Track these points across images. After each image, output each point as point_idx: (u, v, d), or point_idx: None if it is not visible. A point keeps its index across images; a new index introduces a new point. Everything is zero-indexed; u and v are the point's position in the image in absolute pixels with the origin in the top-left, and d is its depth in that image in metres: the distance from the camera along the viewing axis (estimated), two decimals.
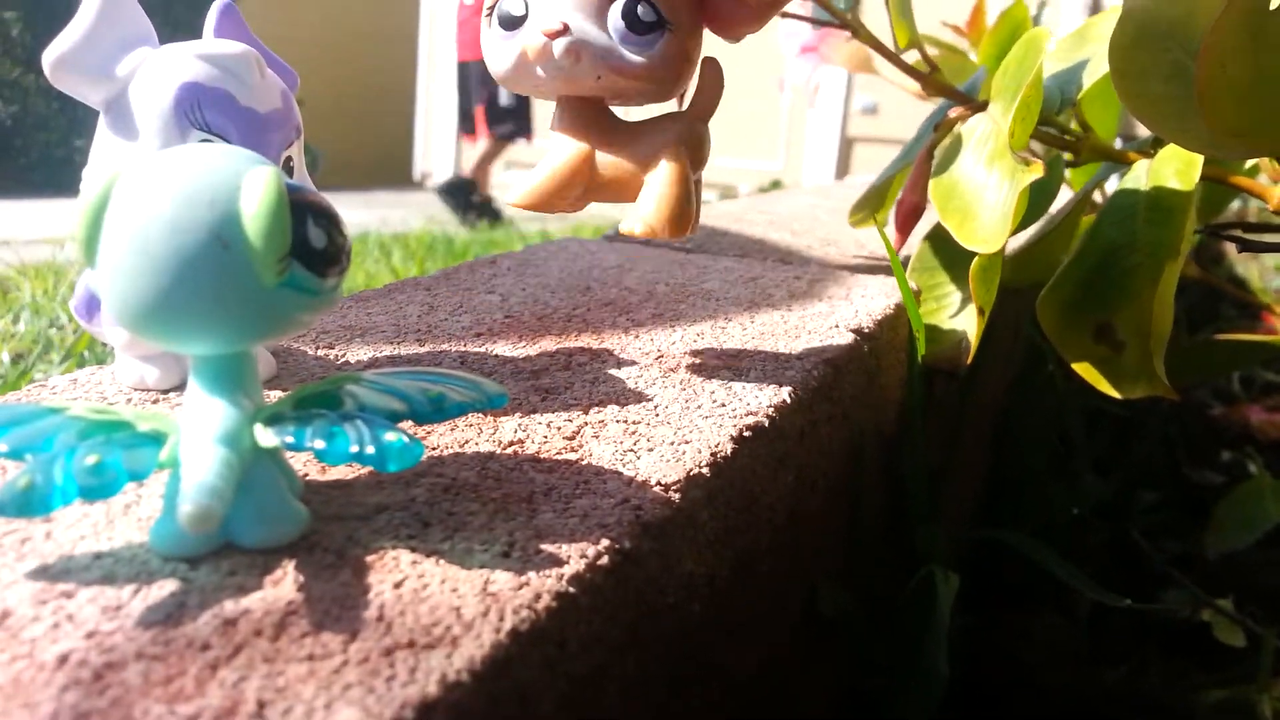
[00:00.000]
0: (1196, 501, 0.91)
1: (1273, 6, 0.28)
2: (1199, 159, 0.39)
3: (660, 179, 0.30)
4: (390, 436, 0.20)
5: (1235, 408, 1.17)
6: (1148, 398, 0.41)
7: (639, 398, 0.31)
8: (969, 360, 0.41)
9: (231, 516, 0.20)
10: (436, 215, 3.19)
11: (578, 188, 0.31)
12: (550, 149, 0.31)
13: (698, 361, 0.35)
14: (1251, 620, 0.66)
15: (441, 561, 0.21)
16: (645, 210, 0.30)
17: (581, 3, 0.28)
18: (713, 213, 0.70)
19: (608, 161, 0.31)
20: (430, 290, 0.42)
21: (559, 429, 0.28)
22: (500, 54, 0.29)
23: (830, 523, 0.40)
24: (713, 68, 0.31)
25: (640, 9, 0.28)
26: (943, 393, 0.50)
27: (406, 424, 0.22)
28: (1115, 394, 0.40)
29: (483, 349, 0.35)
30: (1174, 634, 0.72)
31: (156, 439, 0.20)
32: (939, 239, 0.46)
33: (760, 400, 0.32)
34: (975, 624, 0.64)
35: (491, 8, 0.29)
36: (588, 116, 0.30)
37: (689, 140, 0.31)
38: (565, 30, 0.28)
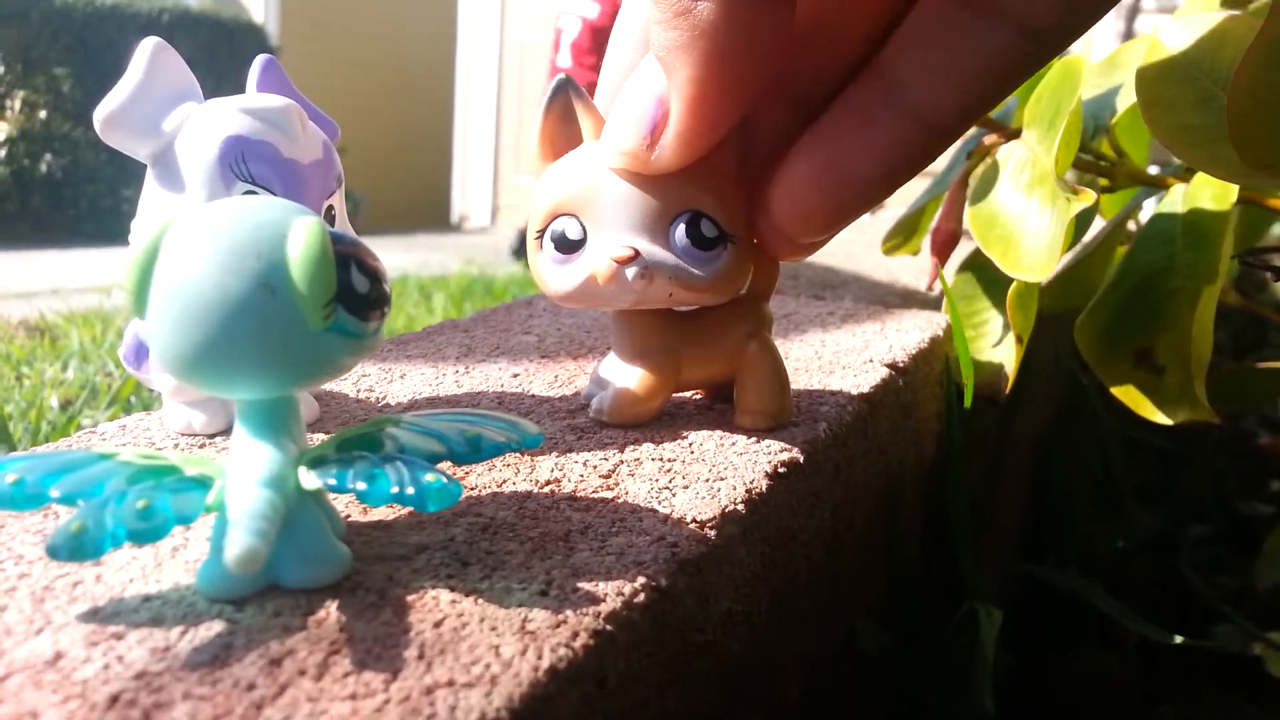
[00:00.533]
0: (1247, 533, 0.89)
1: None
2: (1235, 184, 0.39)
3: (760, 371, 0.32)
4: (429, 478, 0.20)
5: None
6: (1194, 427, 0.41)
7: (674, 435, 0.31)
8: (1008, 389, 0.41)
9: (276, 558, 0.20)
10: (475, 258, 3.22)
11: (668, 395, 0.32)
12: (630, 361, 0.31)
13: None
14: None
15: (480, 600, 0.21)
16: (760, 404, 0.32)
17: (643, 224, 0.28)
18: None
19: (694, 362, 0.32)
20: (468, 332, 0.42)
21: (595, 467, 0.29)
22: (559, 276, 0.29)
23: (868, 558, 0.40)
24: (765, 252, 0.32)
25: (704, 225, 0.28)
26: (981, 425, 0.50)
27: (445, 465, 0.23)
28: (1158, 418, 0.40)
29: (519, 389, 0.35)
30: (1226, 669, 0.70)
31: (203, 483, 0.21)
32: (976, 267, 0.46)
33: (795, 436, 0.32)
34: (1019, 661, 0.64)
35: (542, 231, 0.29)
36: (663, 324, 0.31)
37: (765, 323, 0.33)
38: (636, 255, 0.28)
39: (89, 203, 4.51)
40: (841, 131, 0.26)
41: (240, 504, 0.20)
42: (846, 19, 0.27)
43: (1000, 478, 0.53)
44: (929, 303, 0.51)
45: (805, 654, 0.34)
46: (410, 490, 0.20)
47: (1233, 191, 0.38)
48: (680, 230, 0.28)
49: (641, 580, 0.23)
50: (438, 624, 0.20)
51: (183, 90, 0.30)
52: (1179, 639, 0.43)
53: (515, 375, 0.37)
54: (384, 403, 0.33)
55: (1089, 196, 0.34)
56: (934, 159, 0.26)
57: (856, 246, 0.74)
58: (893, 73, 0.25)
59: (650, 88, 0.26)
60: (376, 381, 0.35)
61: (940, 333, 0.45)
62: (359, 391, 0.34)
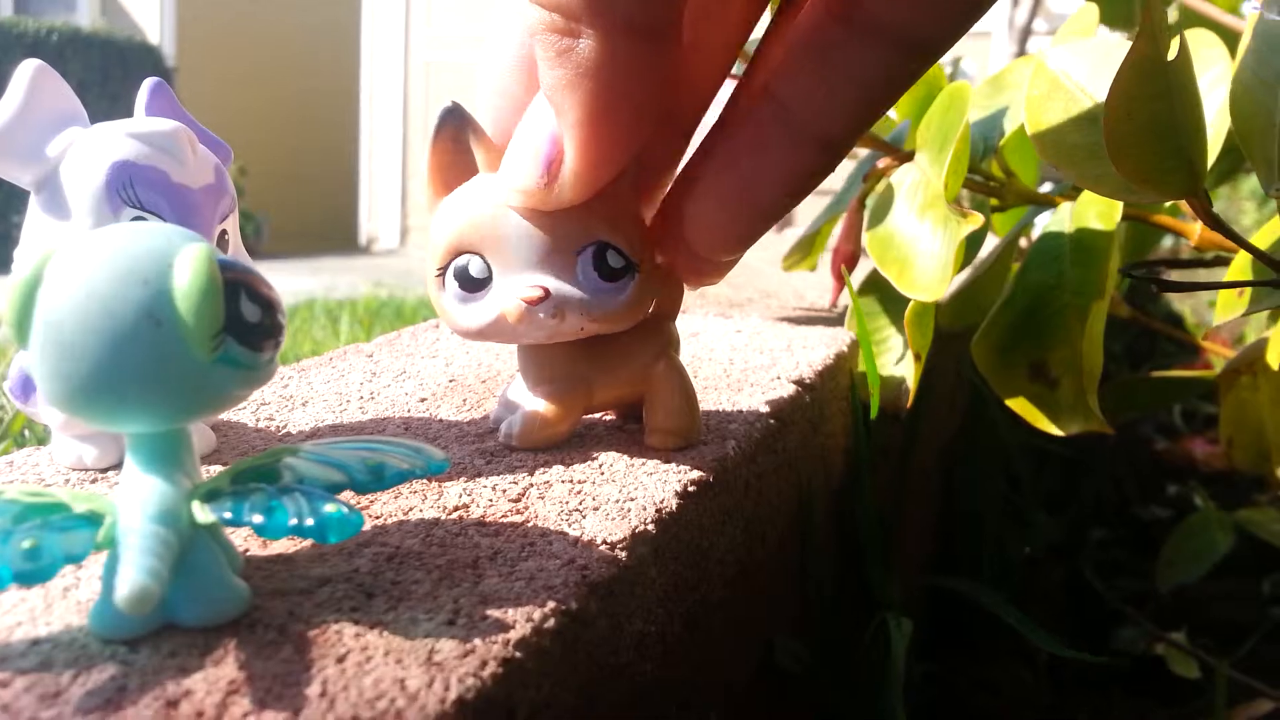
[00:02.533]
0: (1146, 537, 0.93)
1: (1169, 57, 0.29)
2: (1119, 201, 0.41)
3: (668, 391, 0.32)
4: (329, 508, 0.20)
5: (1179, 442, 1.19)
6: (1094, 436, 0.42)
7: (584, 457, 0.31)
8: (909, 404, 0.42)
9: (171, 596, 0.20)
10: (384, 280, 3.18)
11: (578, 419, 0.32)
12: (537, 388, 0.31)
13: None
14: (1204, 652, 0.67)
15: (385, 633, 0.21)
16: (670, 424, 0.32)
17: (548, 259, 0.28)
18: None
19: (603, 385, 0.32)
20: (373, 357, 0.42)
21: (504, 491, 0.28)
22: (465, 314, 0.29)
23: (783, 574, 0.40)
24: (670, 274, 0.32)
25: (609, 256, 0.28)
26: (887, 439, 0.51)
27: (348, 494, 0.22)
28: (1052, 430, 0.41)
29: (426, 414, 0.35)
30: (1134, 672, 0.72)
31: (93, 520, 0.20)
32: (876, 287, 0.47)
33: (705, 455, 0.32)
34: (937, 671, 0.65)
35: (443, 268, 0.29)
36: (570, 349, 0.31)
37: (673, 343, 0.33)
38: (546, 295, 0.28)
39: None
40: (741, 158, 0.27)
41: (131, 541, 0.19)
42: (709, 29, 0.27)
43: (907, 491, 0.54)
44: (833, 319, 0.52)
45: (723, 673, 0.34)
46: (309, 521, 0.20)
47: (1117, 209, 0.40)
48: (587, 263, 0.28)
49: (551, 605, 0.22)
50: (341, 659, 0.20)
51: (67, 114, 0.29)
52: (1073, 653, 0.44)
53: (422, 400, 0.36)
54: (285, 432, 0.33)
55: (977, 219, 0.35)
56: (831, 172, 0.27)
57: (761, 263, 0.74)
58: (780, 94, 0.26)
59: (544, 125, 0.26)
60: (277, 410, 0.34)
61: (845, 349, 0.46)
62: (258, 421, 0.33)
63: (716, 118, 0.28)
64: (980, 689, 0.67)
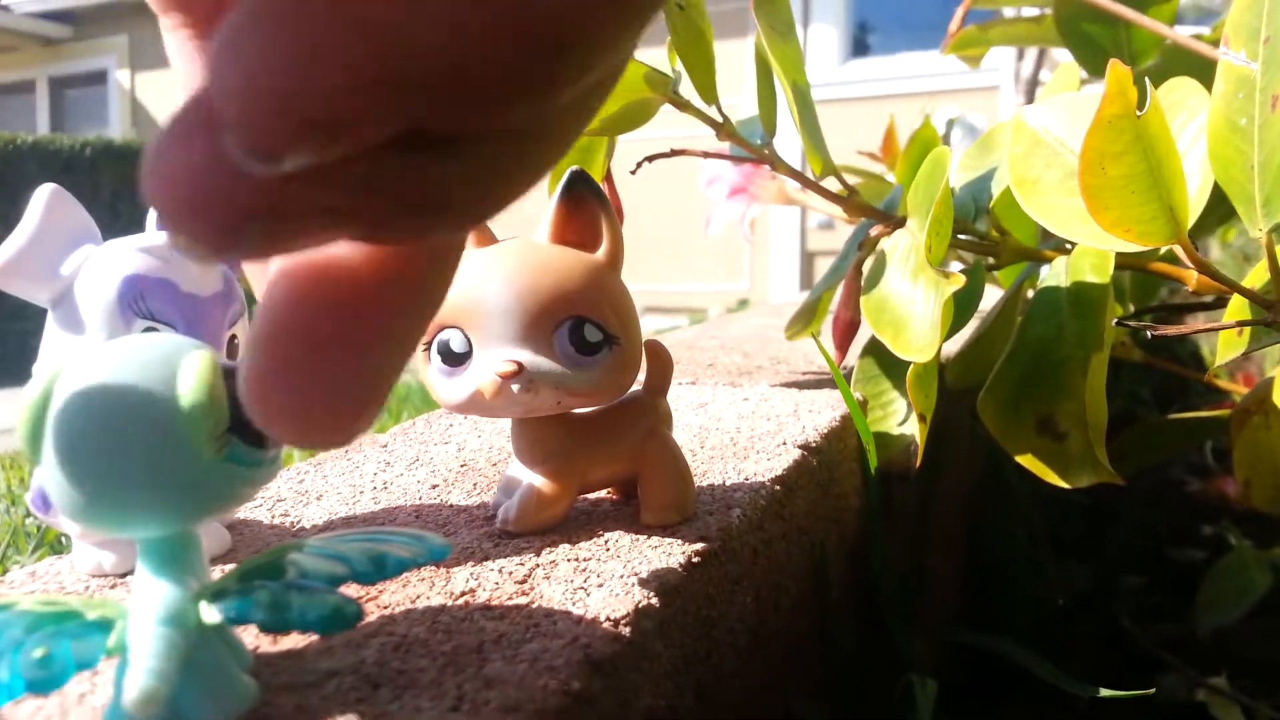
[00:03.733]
0: (1183, 580, 0.91)
1: (1139, 113, 0.30)
2: (1112, 253, 0.41)
3: (660, 467, 0.32)
4: (329, 601, 0.21)
5: (1211, 482, 1.18)
6: (1124, 480, 0.42)
7: (590, 534, 0.32)
8: (917, 464, 0.42)
9: (179, 696, 0.20)
10: (412, 364, 3.20)
11: (573, 498, 0.33)
12: (532, 467, 0.32)
13: None
14: (1245, 695, 0.66)
15: None
16: (664, 500, 0.32)
17: (526, 334, 0.29)
18: (665, 342, 0.72)
19: (596, 463, 0.32)
20: (386, 447, 0.43)
21: (510, 574, 0.29)
22: (448, 388, 0.30)
23: (801, 639, 0.40)
24: (657, 350, 0.34)
25: (587, 330, 0.29)
26: (902, 498, 0.51)
27: (354, 586, 0.23)
28: (1063, 484, 0.41)
29: (437, 500, 0.36)
30: (1174, 717, 0.71)
31: (105, 626, 0.21)
32: (878, 350, 0.48)
33: (709, 525, 0.32)
34: None
35: (429, 343, 0.30)
36: (561, 428, 0.32)
37: (663, 419, 0.34)
38: (520, 370, 0.28)
39: (17, 341, 4.42)
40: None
41: (139, 644, 0.20)
42: None
43: (927, 548, 0.54)
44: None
45: None
46: (310, 616, 0.20)
47: (1110, 260, 0.41)
48: (564, 337, 0.29)
49: (553, 685, 0.23)
50: None
51: (80, 233, 0.30)
52: (1105, 692, 0.44)
53: (434, 487, 0.37)
54: (299, 526, 0.33)
55: (959, 280, 0.36)
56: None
57: (773, 331, 0.75)
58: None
59: None
60: (292, 505, 0.35)
61: None
62: (274, 517, 0.34)
63: None
64: None
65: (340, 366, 0.17)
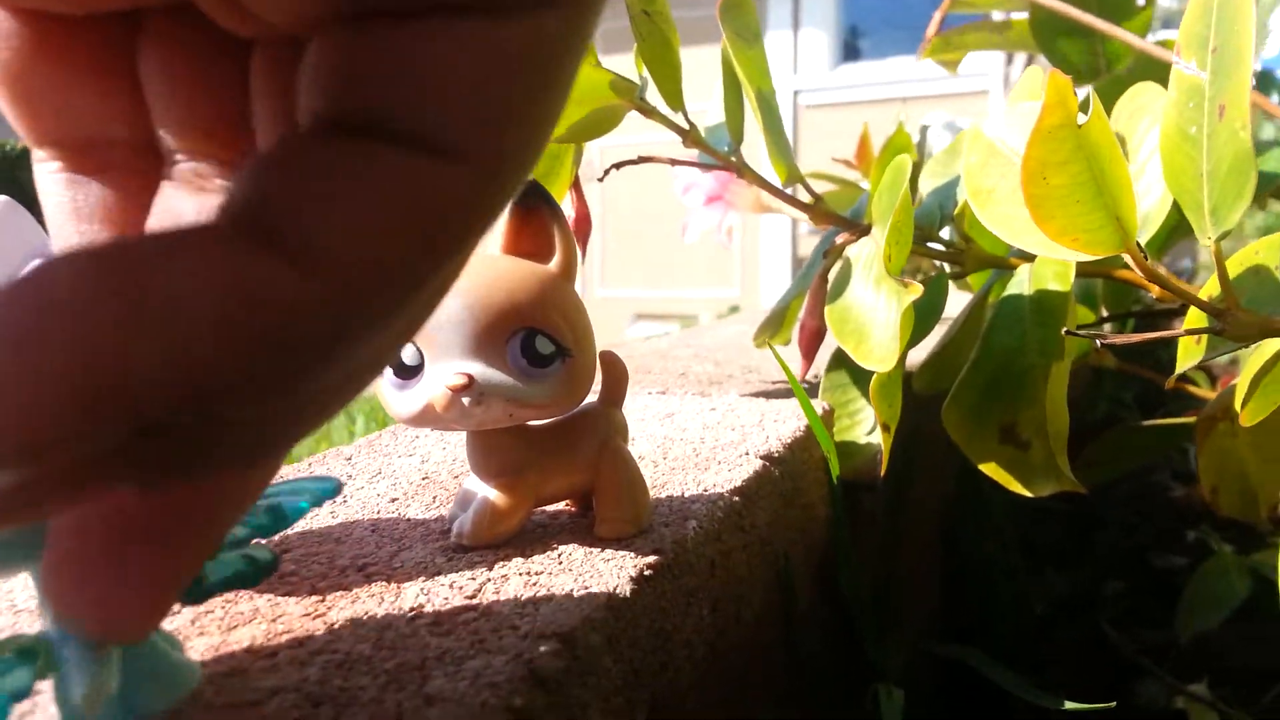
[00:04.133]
0: (1164, 586, 0.91)
1: (1080, 122, 0.30)
2: (1072, 262, 0.41)
3: (616, 479, 0.33)
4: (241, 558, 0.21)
5: (1194, 487, 1.18)
6: (1105, 486, 0.42)
7: (544, 547, 0.32)
8: (882, 472, 0.42)
9: (125, 690, 0.20)
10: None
11: (528, 511, 0.33)
12: (487, 479, 0.32)
13: None
14: (1224, 702, 0.66)
15: None
16: (618, 512, 0.32)
17: (477, 346, 0.29)
18: (639, 351, 0.72)
19: (551, 475, 0.32)
20: (350, 460, 0.43)
21: (460, 588, 0.29)
22: (400, 401, 0.29)
23: (764, 650, 0.40)
24: (611, 360, 0.34)
25: (539, 342, 0.29)
26: (873, 507, 0.51)
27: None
28: (1025, 492, 0.41)
29: (396, 514, 0.36)
30: None
31: (29, 654, 0.21)
32: (845, 359, 0.48)
33: (664, 537, 0.32)
34: None
35: None
36: (516, 440, 0.32)
37: (619, 430, 0.34)
38: (470, 383, 0.28)
39: None
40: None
41: (69, 653, 0.20)
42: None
43: (897, 556, 0.54)
44: (811, 390, 0.53)
45: None
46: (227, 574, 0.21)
47: (1070, 270, 0.41)
48: (515, 348, 0.29)
49: (494, 702, 0.23)
50: None
51: (34, 248, 0.30)
52: (1069, 705, 0.44)
53: (393, 500, 0.37)
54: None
55: (917, 290, 0.36)
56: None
57: (746, 340, 0.75)
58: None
59: None
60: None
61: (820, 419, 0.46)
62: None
63: None
64: None
65: (132, 570, 0.16)
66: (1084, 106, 0.32)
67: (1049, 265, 0.42)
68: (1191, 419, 0.64)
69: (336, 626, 0.27)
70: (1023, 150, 0.36)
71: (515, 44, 0.15)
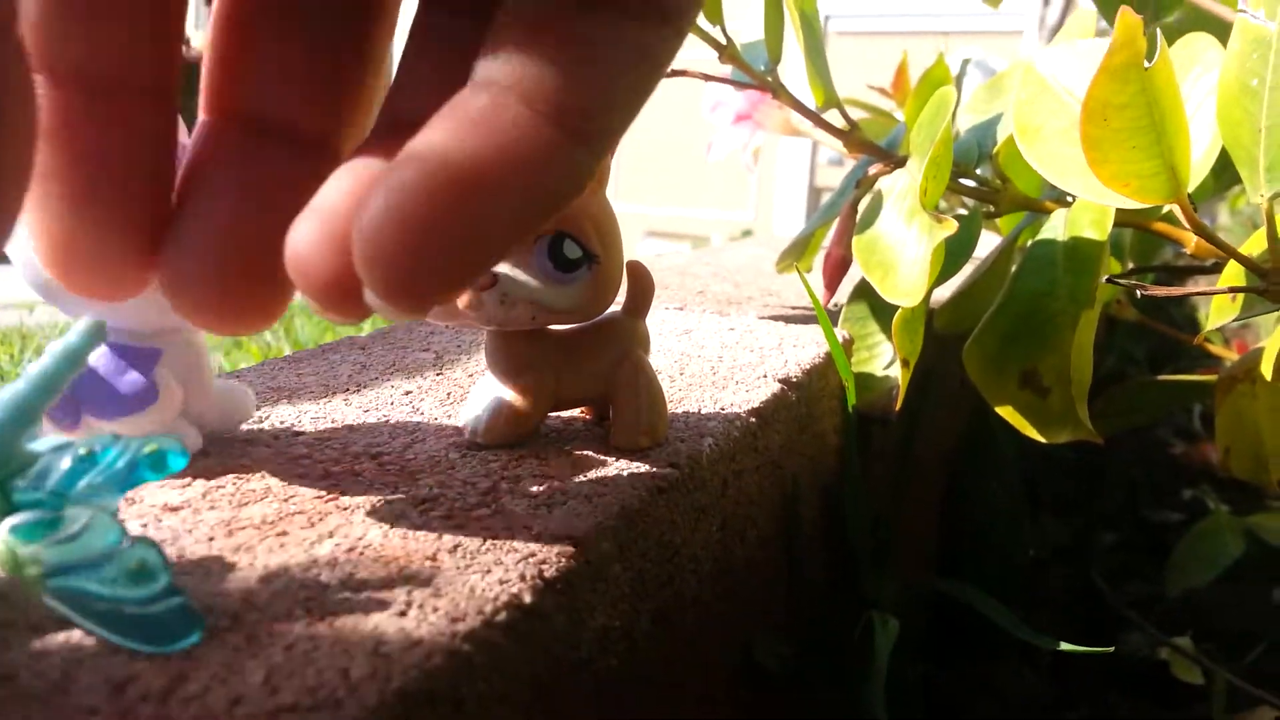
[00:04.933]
0: (1157, 541, 0.92)
1: (1147, 65, 0.29)
2: (1112, 209, 0.40)
3: (635, 390, 0.32)
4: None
5: (1196, 446, 1.18)
6: (1108, 438, 0.42)
7: (559, 452, 0.32)
8: (897, 407, 0.42)
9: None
10: None
11: (544, 414, 0.32)
12: (505, 380, 0.31)
13: None
14: (1207, 658, 0.67)
15: (335, 623, 0.21)
16: (635, 423, 0.32)
17: None
18: (659, 266, 0.71)
19: (570, 380, 0.32)
20: (365, 350, 0.42)
21: (474, 485, 0.29)
22: None
23: (766, 572, 0.40)
24: (639, 271, 0.33)
25: (566, 246, 0.28)
26: (883, 440, 0.51)
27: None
28: (1041, 439, 0.41)
29: (409, 406, 0.35)
30: (1137, 674, 0.72)
31: None
32: (867, 291, 0.47)
33: (679, 452, 0.32)
34: (937, 672, 0.65)
35: None
36: (537, 342, 0.31)
37: (640, 342, 0.33)
38: (495, 281, 0.28)
39: None
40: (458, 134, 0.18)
41: None
42: None
43: (907, 492, 0.54)
44: (830, 319, 0.52)
45: (698, 670, 0.34)
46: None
47: (1109, 216, 0.40)
48: (543, 251, 0.28)
49: (504, 599, 0.23)
50: (288, 647, 0.20)
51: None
52: (1065, 646, 0.44)
53: (407, 393, 0.37)
54: (269, 422, 0.33)
55: (951, 225, 0.35)
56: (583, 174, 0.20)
57: (765, 263, 0.75)
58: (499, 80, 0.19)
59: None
60: (264, 400, 0.35)
61: None
62: None
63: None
64: (981, 690, 0.67)
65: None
66: (1149, 50, 0.31)
67: (1086, 211, 0.41)
68: (1206, 377, 0.64)
69: (349, 512, 0.27)
70: (1077, 89, 0.35)
71: None
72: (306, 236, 0.19)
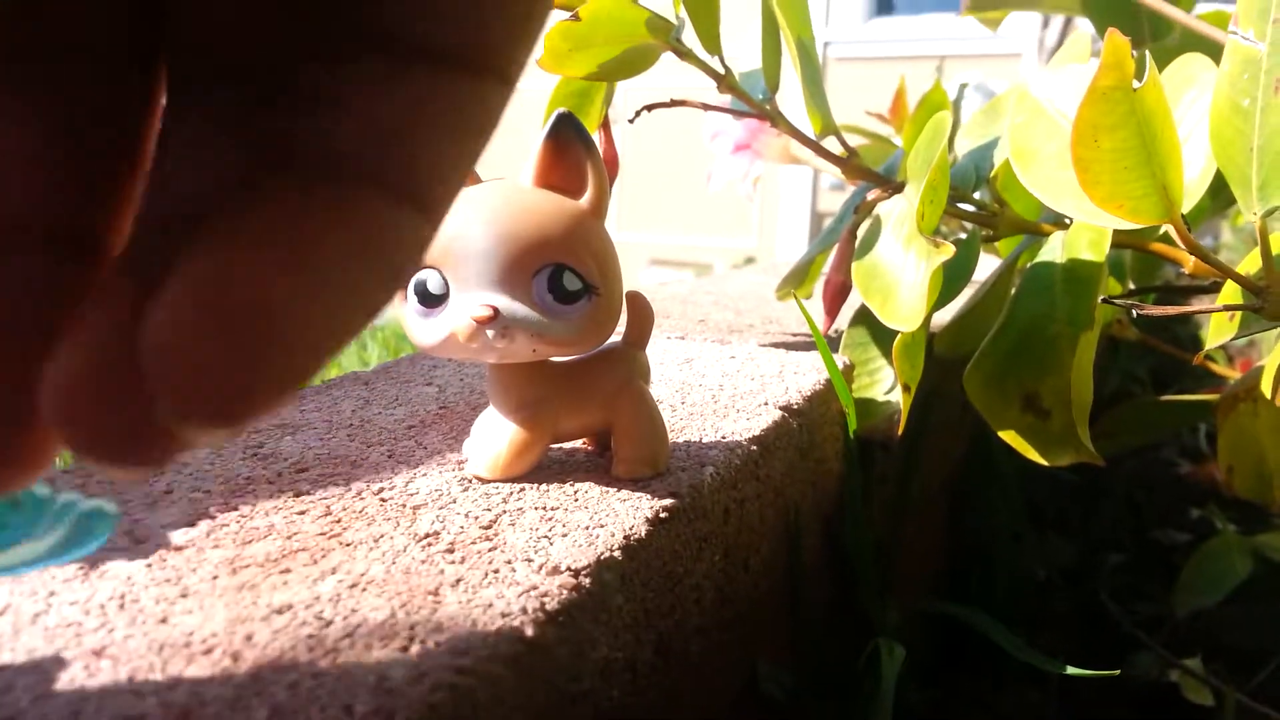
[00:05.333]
0: (1165, 561, 0.92)
1: (1136, 86, 0.29)
2: (1109, 230, 0.41)
3: (636, 419, 0.32)
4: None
5: (1202, 465, 1.18)
6: (1112, 459, 0.42)
7: (560, 484, 0.32)
8: (899, 432, 0.42)
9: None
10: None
11: (545, 446, 0.32)
12: (507, 413, 0.32)
13: None
14: (1216, 679, 0.67)
15: (339, 659, 0.21)
16: (636, 453, 0.32)
17: (504, 279, 0.28)
18: (660, 295, 0.72)
19: (570, 412, 0.32)
20: (369, 385, 0.43)
21: (476, 518, 0.29)
22: (423, 329, 0.29)
23: (770, 600, 0.40)
24: (639, 302, 0.33)
25: (566, 278, 0.29)
26: (885, 465, 0.51)
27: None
28: (1042, 461, 0.41)
29: (412, 441, 0.36)
30: (1146, 698, 0.72)
31: None
32: (867, 317, 0.47)
33: (680, 481, 0.32)
34: (942, 697, 0.64)
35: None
36: (537, 376, 0.31)
37: (641, 372, 0.33)
38: (495, 315, 0.28)
39: None
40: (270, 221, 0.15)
41: None
42: None
43: (908, 516, 0.54)
44: (831, 345, 0.52)
45: (702, 698, 0.34)
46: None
47: (1107, 237, 0.40)
48: (542, 284, 0.28)
49: (507, 632, 0.23)
50: (292, 685, 0.20)
51: None
52: (1072, 670, 0.44)
53: (410, 428, 0.37)
54: (272, 458, 0.33)
55: (948, 250, 0.35)
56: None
57: (766, 290, 0.75)
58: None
59: None
60: (267, 437, 0.35)
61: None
62: (247, 449, 0.34)
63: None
64: (987, 713, 0.67)
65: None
66: (1138, 71, 0.31)
67: (1084, 233, 0.42)
68: (1209, 397, 0.64)
69: (351, 547, 0.27)
70: (1071, 112, 0.36)
71: None
72: (75, 370, 0.15)
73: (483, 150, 0.18)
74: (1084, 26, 0.75)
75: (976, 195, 0.47)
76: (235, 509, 0.29)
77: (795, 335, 0.56)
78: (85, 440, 0.15)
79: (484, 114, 0.18)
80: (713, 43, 0.45)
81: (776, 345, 0.53)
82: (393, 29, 0.16)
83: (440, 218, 0.17)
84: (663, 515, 0.30)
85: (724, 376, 0.45)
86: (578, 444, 0.36)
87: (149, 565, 0.25)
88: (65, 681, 0.20)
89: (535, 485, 0.32)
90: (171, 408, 0.14)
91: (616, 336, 0.33)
